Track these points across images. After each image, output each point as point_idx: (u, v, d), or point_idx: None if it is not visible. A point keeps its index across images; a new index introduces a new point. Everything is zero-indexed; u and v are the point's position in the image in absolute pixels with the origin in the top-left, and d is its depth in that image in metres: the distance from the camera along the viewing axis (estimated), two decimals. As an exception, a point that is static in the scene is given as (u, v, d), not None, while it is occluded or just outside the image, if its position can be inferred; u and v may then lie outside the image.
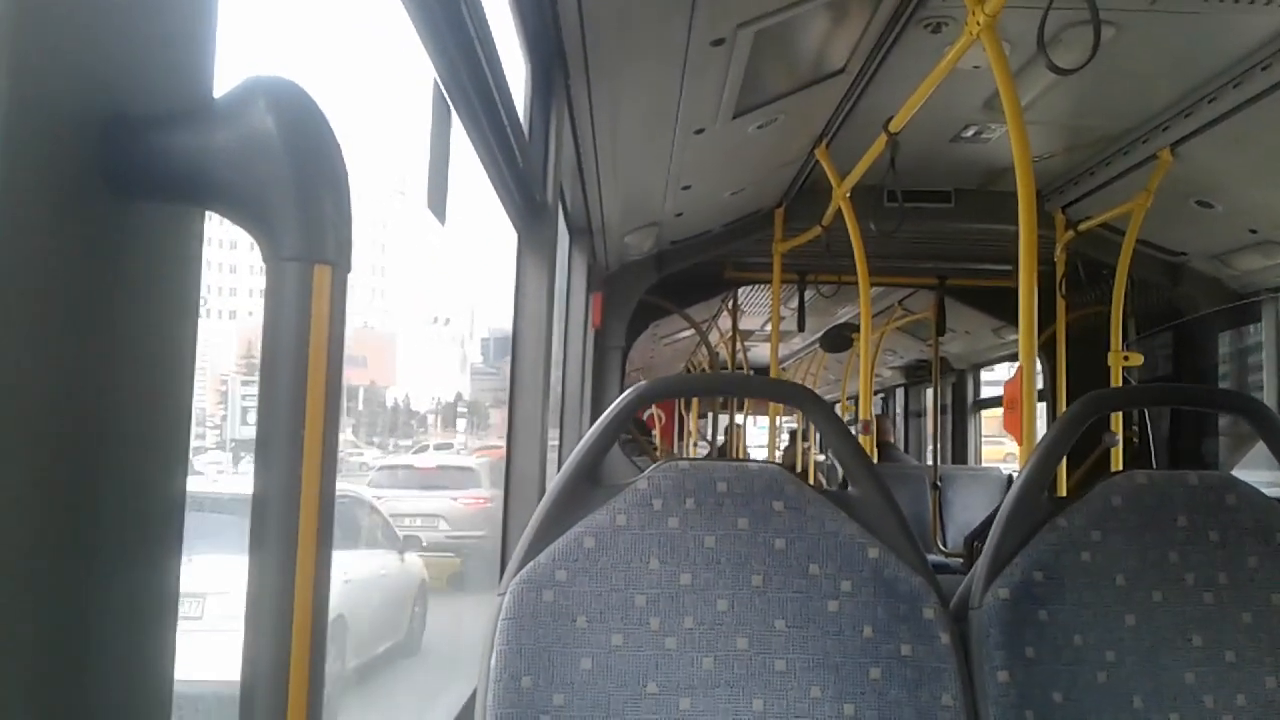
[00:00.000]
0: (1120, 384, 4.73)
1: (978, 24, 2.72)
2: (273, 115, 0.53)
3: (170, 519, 0.59)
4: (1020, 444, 2.80)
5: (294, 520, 0.53)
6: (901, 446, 9.97)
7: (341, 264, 0.55)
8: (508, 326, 2.80)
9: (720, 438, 12.07)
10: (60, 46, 0.49)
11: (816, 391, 13.99)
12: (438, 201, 1.80)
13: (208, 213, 0.59)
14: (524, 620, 1.69)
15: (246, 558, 0.53)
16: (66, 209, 0.50)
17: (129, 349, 0.55)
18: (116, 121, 0.53)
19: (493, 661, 1.67)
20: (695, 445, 14.37)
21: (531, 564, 1.73)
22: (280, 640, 0.53)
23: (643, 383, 1.92)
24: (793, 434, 12.93)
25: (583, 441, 1.84)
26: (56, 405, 0.50)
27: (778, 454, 10.27)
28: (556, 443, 4.40)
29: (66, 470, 0.51)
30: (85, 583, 0.52)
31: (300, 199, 0.53)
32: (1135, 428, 5.55)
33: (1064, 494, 4.33)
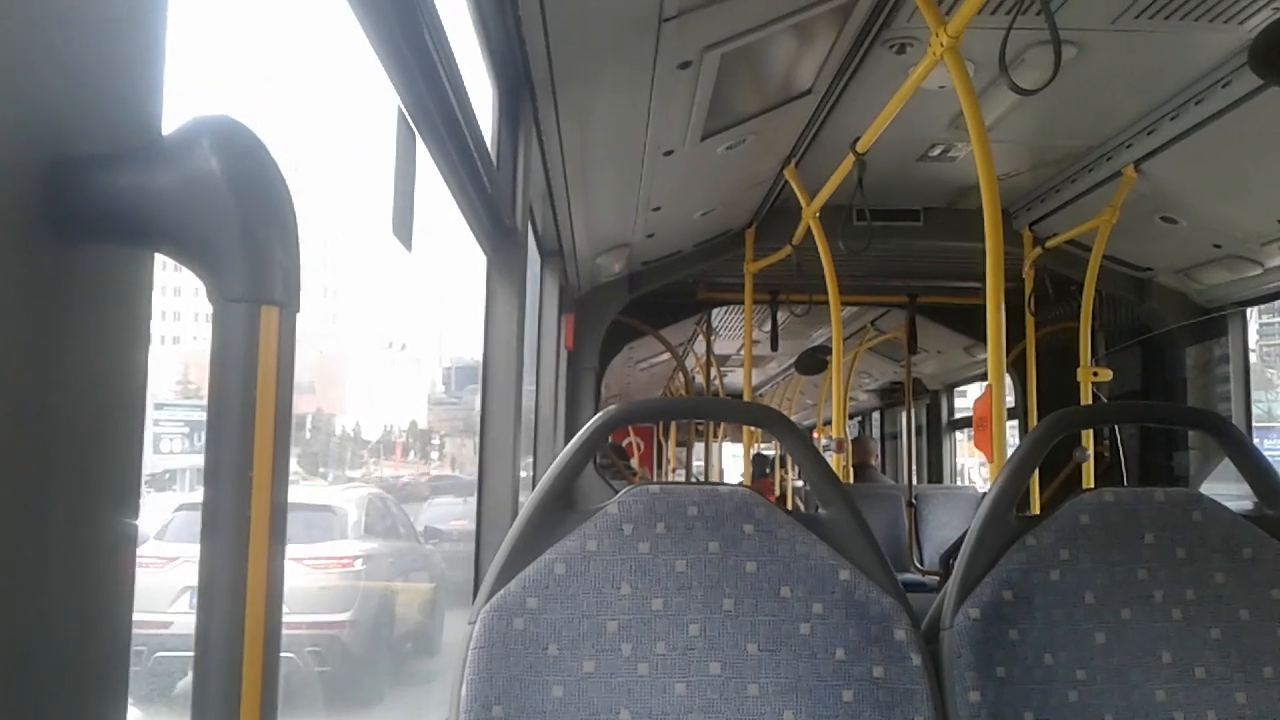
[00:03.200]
0: (1090, 399, 4.76)
1: (941, 45, 2.74)
2: (217, 156, 0.52)
3: (121, 566, 0.58)
4: (991, 462, 2.81)
5: (242, 569, 0.52)
6: (879, 467, 10.02)
7: (290, 304, 0.54)
8: (471, 354, 2.79)
9: (697, 464, 12.04)
10: (2, 88, 0.49)
11: (793, 416, 13.90)
12: (403, 228, 1.79)
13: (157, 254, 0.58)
14: (494, 649, 1.68)
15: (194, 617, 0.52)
16: (11, 252, 0.50)
17: (78, 392, 0.54)
18: (61, 163, 0.52)
19: (463, 691, 1.66)
20: (674, 472, 14.37)
21: (502, 591, 1.72)
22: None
23: (612, 406, 1.91)
24: (772, 460, 12.97)
25: (553, 466, 1.83)
26: (3, 447, 0.49)
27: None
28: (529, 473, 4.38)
29: (13, 512, 0.50)
30: (37, 621, 0.51)
31: (246, 240, 0.52)
32: (1107, 442, 5.59)
33: (1038, 511, 4.35)
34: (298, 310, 0.55)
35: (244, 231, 0.52)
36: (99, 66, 0.55)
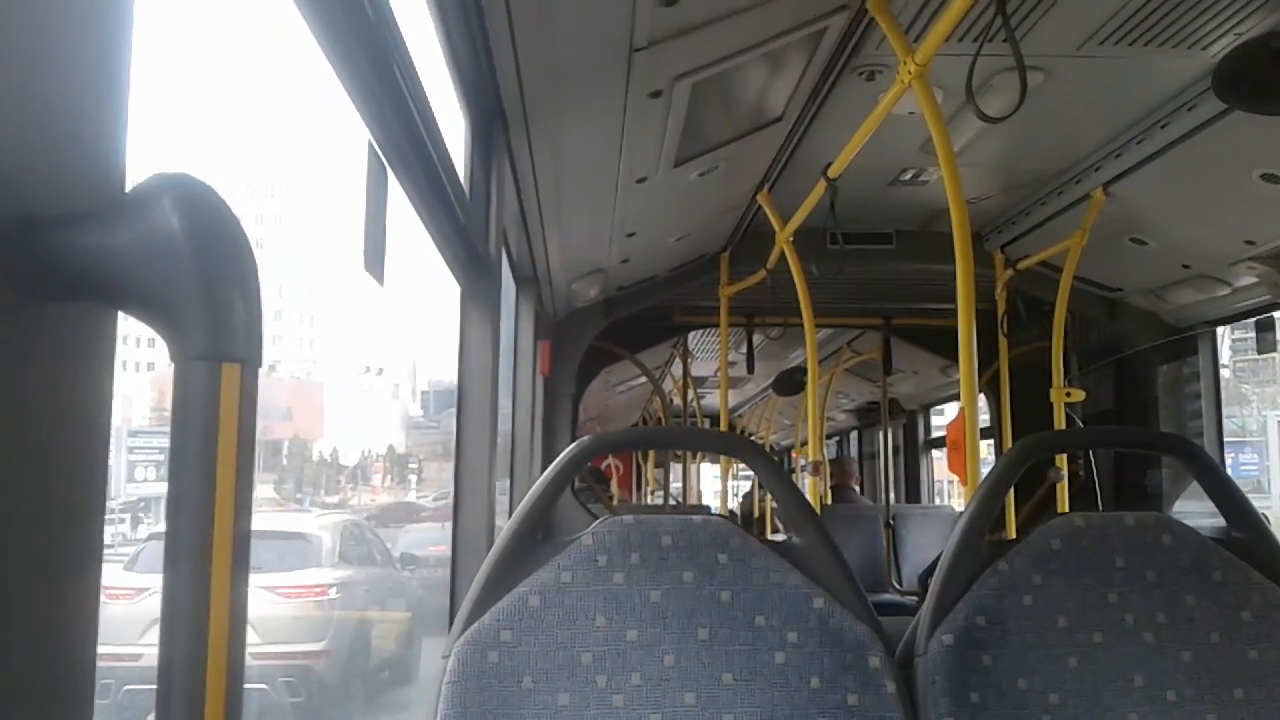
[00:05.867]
0: (1063, 420, 4.79)
1: (909, 72, 2.77)
2: (177, 214, 0.53)
3: (84, 606, 0.58)
4: (965, 484, 2.83)
5: (203, 637, 0.52)
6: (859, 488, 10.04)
7: (251, 361, 0.55)
8: (449, 378, 2.79)
9: (676, 485, 12.05)
10: None
11: (771, 437, 13.88)
12: (375, 263, 1.79)
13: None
14: (469, 683, 1.67)
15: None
16: None
17: (39, 450, 0.55)
18: (23, 222, 0.52)
19: None
20: (653, 494, 14.39)
21: (476, 625, 1.72)
22: None
23: (585, 438, 1.92)
24: (753, 482, 12.99)
25: (527, 497, 1.84)
26: None
27: (732, 501, 10.26)
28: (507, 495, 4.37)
29: None
30: None
31: (207, 298, 0.53)
32: (1081, 461, 5.62)
33: (1013, 533, 4.37)
34: (259, 366, 0.56)
35: (205, 289, 0.53)
36: (62, 126, 0.55)
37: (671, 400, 10.27)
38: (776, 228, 4.51)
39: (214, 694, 0.53)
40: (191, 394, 0.53)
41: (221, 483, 0.53)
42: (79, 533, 0.57)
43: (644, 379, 8.29)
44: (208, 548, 0.52)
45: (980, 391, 4.18)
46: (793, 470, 11.26)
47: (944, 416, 9.21)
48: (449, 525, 2.78)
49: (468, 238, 2.55)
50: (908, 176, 4.33)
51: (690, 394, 8.83)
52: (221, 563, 0.53)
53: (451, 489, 2.77)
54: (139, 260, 0.53)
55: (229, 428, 0.53)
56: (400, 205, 2.01)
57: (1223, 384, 5.12)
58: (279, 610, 6.88)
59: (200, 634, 0.52)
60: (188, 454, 0.53)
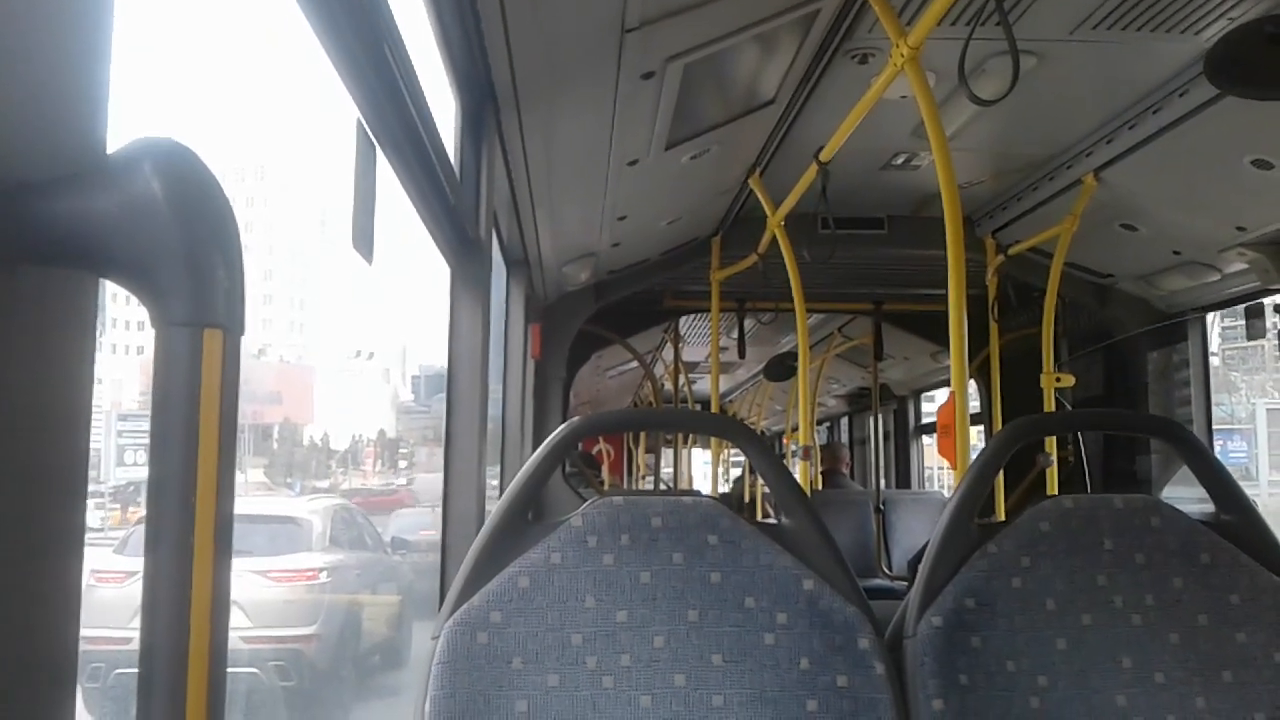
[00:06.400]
0: (1053, 405, 4.80)
1: (902, 56, 2.76)
2: (159, 179, 0.52)
3: (66, 585, 0.57)
4: (955, 469, 2.83)
5: (185, 604, 0.51)
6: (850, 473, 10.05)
7: (233, 327, 0.54)
8: (440, 362, 2.78)
9: (667, 470, 12.04)
10: None
11: (763, 422, 13.88)
12: (364, 241, 1.78)
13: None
14: (458, 664, 1.67)
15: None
16: None
17: (19, 413, 0.54)
18: (3, 186, 0.51)
19: (427, 708, 1.65)
20: (643, 479, 14.39)
21: (466, 606, 1.72)
22: None
23: (575, 419, 1.92)
24: (744, 467, 12.99)
25: (517, 478, 1.84)
26: None
27: (723, 486, 10.27)
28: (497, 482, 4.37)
29: None
30: None
31: (189, 263, 0.52)
32: (1070, 447, 5.64)
33: (1002, 516, 4.38)
34: (241, 333, 0.55)
35: (186, 255, 0.52)
36: (42, 88, 0.55)
37: (663, 385, 10.26)
38: (768, 212, 4.50)
39: (196, 677, 0.53)
40: (173, 361, 0.53)
41: (204, 451, 0.52)
42: (60, 509, 0.57)
43: (635, 363, 8.29)
44: (190, 517, 0.52)
45: (970, 377, 4.19)
46: (784, 455, 11.27)
47: (934, 402, 9.22)
48: (439, 510, 2.78)
49: (458, 220, 2.54)
50: (899, 161, 4.33)
51: (681, 379, 8.83)
52: (204, 533, 0.52)
53: (440, 473, 2.77)
54: (120, 225, 0.52)
55: (211, 395, 0.53)
56: (390, 186, 2.00)
57: (1212, 371, 5.13)
58: (269, 594, 6.89)
59: (183, 588, 0.52)
60: (169, 422, 0.52)
